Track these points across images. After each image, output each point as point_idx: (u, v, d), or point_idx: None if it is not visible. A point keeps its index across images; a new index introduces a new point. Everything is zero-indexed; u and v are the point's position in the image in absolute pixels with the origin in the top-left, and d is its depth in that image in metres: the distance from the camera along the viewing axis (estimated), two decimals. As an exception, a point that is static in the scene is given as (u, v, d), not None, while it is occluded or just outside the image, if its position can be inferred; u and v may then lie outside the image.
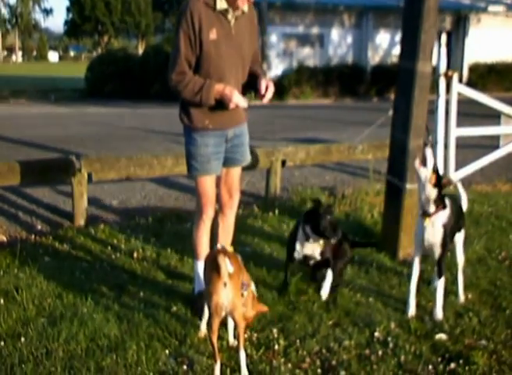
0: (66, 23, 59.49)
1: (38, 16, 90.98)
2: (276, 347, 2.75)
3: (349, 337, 2.86)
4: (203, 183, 3.05)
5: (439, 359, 2.67)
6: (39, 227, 4.70)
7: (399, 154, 3.97)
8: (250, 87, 3.06)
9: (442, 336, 2.89)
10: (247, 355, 2.62)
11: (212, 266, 2.47)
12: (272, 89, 2.97)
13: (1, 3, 68.62)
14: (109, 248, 4.08)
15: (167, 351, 2.70)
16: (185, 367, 2.58)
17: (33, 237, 4.34)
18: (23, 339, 2.80)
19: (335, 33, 19.65)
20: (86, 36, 60.65)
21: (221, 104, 2.88)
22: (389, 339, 2.84)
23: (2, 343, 2.77)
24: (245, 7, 2.88)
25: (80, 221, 4.65)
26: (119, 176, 4.82)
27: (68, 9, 57.16)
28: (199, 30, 2.79)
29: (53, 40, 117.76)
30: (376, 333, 2.89)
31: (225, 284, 2.39)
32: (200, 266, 3.08)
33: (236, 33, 2.89)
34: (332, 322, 3.02)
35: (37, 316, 3.06)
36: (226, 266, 2.37)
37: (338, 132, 9.76)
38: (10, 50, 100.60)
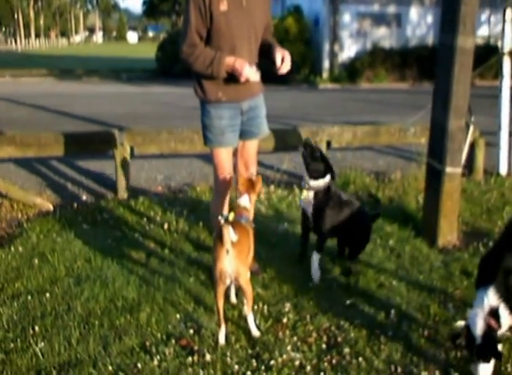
0: (145, 3, 61.58)
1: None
2: (285, 320, 2.86)
3: (362, 317, 2.91)
4: (218, 155, 3.19)
5: (453, 345, 2.66)
6: (84, 198, 5.06)
7: (439, 135, 3.90)
8: (265, 57, 3.11)
9: (462, 323, 2.86)
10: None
11: (217, 235, 2.61)
12: (288, 60, 3.01)
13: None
14: (145, 219, 4.35)
15: (178, 316, 2.90)
16: (191, 331, 2.75)
17: (75, 206, 4.69)
18: (48, 295, 3.11)
19: (414, 12, 18.94)
20: (164, 16, 62.38)
21: (233, 76, 2.98)
22: (404, 322, 2.87)
23: (29, 297, 3.09)
24: None
25: (123, 193, 4.95)
26: (160, 150, 5.07)
27: (148, -10, 59.05)
28: (209, 2, 2.89)
29: (133, 20, 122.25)
30: (391, 316, 2.92)
31: (227, 251, 2.52)
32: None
33: (247, 3, 2.96)
34: (349, 302, 3.08)
35: (66, 277, 3.36)
36: (229, 233, 2.50)
37: (407, 116, 9.51)
38: (92, 30, 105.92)
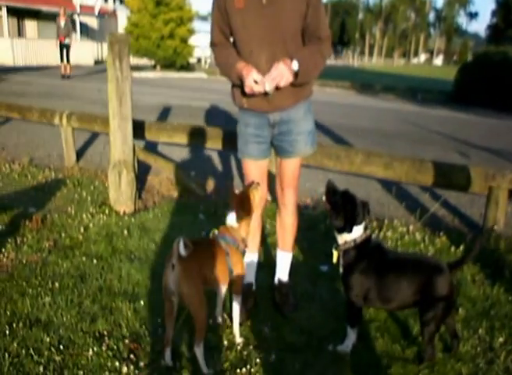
0: (489, 27, 58.55)
1: (462, 19, 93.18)
2: (244, 371, 2.38)
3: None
4: (245, 166, 2.89)
5: None
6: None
7: None
8: None
9: None
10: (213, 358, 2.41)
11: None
12: (277, 70, 2.43)
13: (429, 6, 72.61)
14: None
15: (159, 320, 2.72)
16: (151, 339, 2.57)
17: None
18: (95, 261, 3.38)
19: None
20: (508, 42, 57.93)
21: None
22: None
23: (84, 258, 3.41)
24: None
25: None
26: (305, 161, 4.75)
27: (493, 13, 55.98)
28: None
29: (479, 45, 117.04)
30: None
31: (172, 266, 2.27)
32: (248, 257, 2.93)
33: (268, 2, 2.47)
34: None
35: (125, 252, 3.55)
36: (179, 248, 2.22)
37: None
38: (433, 53, 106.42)
